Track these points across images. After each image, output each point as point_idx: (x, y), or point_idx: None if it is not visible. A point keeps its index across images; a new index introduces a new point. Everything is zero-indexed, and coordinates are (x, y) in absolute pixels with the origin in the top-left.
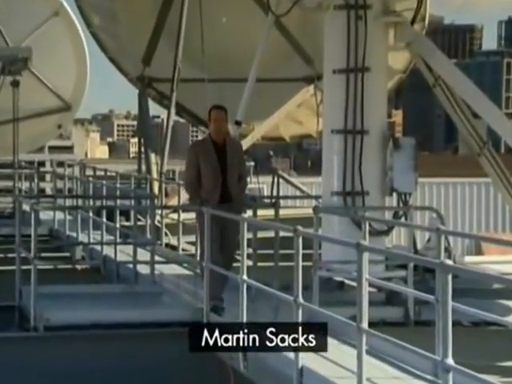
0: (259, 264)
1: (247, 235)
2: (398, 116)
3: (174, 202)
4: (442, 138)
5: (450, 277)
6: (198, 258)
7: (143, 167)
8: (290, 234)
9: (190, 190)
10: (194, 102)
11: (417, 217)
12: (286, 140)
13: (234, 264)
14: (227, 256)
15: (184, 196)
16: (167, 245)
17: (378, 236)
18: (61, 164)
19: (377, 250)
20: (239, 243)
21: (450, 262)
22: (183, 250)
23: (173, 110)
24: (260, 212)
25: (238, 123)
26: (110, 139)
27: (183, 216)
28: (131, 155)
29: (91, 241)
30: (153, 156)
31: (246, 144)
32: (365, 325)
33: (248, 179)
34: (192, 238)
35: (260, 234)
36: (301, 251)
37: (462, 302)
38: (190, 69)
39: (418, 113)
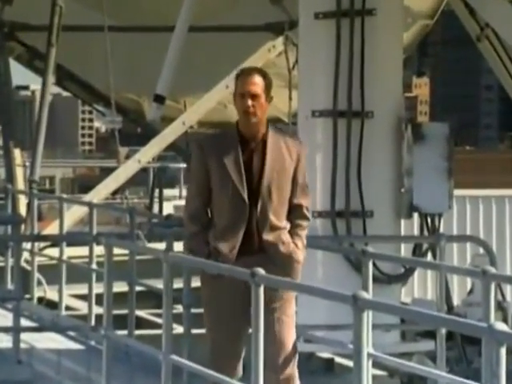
0: (195, 331)
1: (174, 283)
2: (422, 88)
3: (52, 229)
4: (495, 123)
5: (503, 350)
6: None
7: (1, 171)
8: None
9: (188, 231)
10: (86, 64)
11: (452, 253)
12: None
13: (154, 331)
14: (270, 366)
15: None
16: (41, 300)
17: (389, 284)
18: None
19: (386, 308)
20: (287, 337)
21: (504, 327)
22: (68, 308)
23: (51, 78)
24: None
25: (158, 99)
26: None
27: (68, 252)
28: None
29: None
30: (17, 153)
31: (172, 133)
32: None
33: (310, 216)
34: (82, 289)
35: (197, 282)
36: (262, 309)
37: None
38: (80, 11)
39: (454, 82)
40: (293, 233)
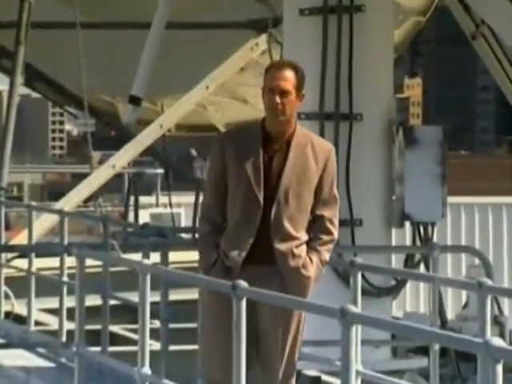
0: (173, 347)
1: (150, 296)
2: (414, 89)
3: (20, 238)
4: (491, 126)
5: (500, 368)
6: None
7: None
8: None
9: (199, 231)
10: (57, 63)
11: (446, 264)
12: (218, 130)
13: (129, 348)
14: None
15: (40, 228)
16: (9, 314)
17: (380, 297)
18: None
19: (376, 322)
20: (290, 353)
21: (501, 343)
22: (37, 323)
23: (19, 78)
24: (175, 255)
25: (134, 100)
26: None
27: (37, 263)
28: None
29: None
30: None
31: (149, 136)
32: None
33: (335, 230)
34: (52, 303)
35: (175, 295)
36: (244, 325)
37: None
38: (50, 6)
39: (448, 83)
40: (310, 246)
